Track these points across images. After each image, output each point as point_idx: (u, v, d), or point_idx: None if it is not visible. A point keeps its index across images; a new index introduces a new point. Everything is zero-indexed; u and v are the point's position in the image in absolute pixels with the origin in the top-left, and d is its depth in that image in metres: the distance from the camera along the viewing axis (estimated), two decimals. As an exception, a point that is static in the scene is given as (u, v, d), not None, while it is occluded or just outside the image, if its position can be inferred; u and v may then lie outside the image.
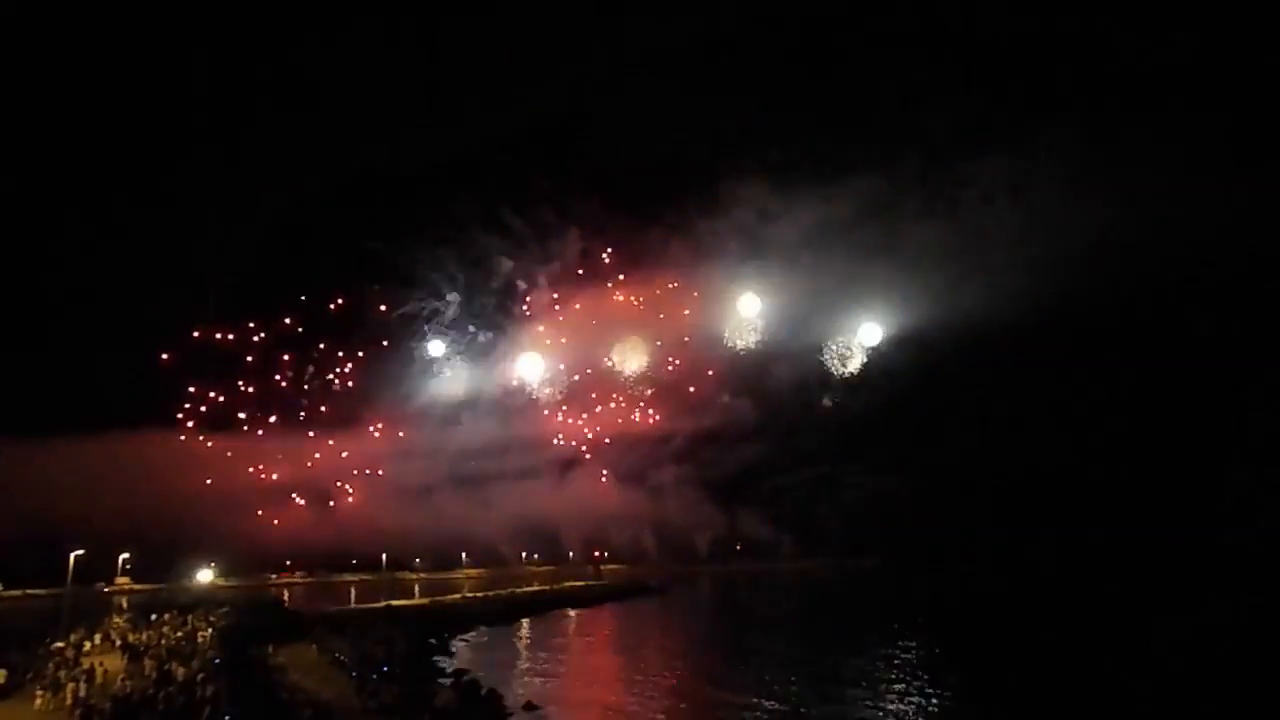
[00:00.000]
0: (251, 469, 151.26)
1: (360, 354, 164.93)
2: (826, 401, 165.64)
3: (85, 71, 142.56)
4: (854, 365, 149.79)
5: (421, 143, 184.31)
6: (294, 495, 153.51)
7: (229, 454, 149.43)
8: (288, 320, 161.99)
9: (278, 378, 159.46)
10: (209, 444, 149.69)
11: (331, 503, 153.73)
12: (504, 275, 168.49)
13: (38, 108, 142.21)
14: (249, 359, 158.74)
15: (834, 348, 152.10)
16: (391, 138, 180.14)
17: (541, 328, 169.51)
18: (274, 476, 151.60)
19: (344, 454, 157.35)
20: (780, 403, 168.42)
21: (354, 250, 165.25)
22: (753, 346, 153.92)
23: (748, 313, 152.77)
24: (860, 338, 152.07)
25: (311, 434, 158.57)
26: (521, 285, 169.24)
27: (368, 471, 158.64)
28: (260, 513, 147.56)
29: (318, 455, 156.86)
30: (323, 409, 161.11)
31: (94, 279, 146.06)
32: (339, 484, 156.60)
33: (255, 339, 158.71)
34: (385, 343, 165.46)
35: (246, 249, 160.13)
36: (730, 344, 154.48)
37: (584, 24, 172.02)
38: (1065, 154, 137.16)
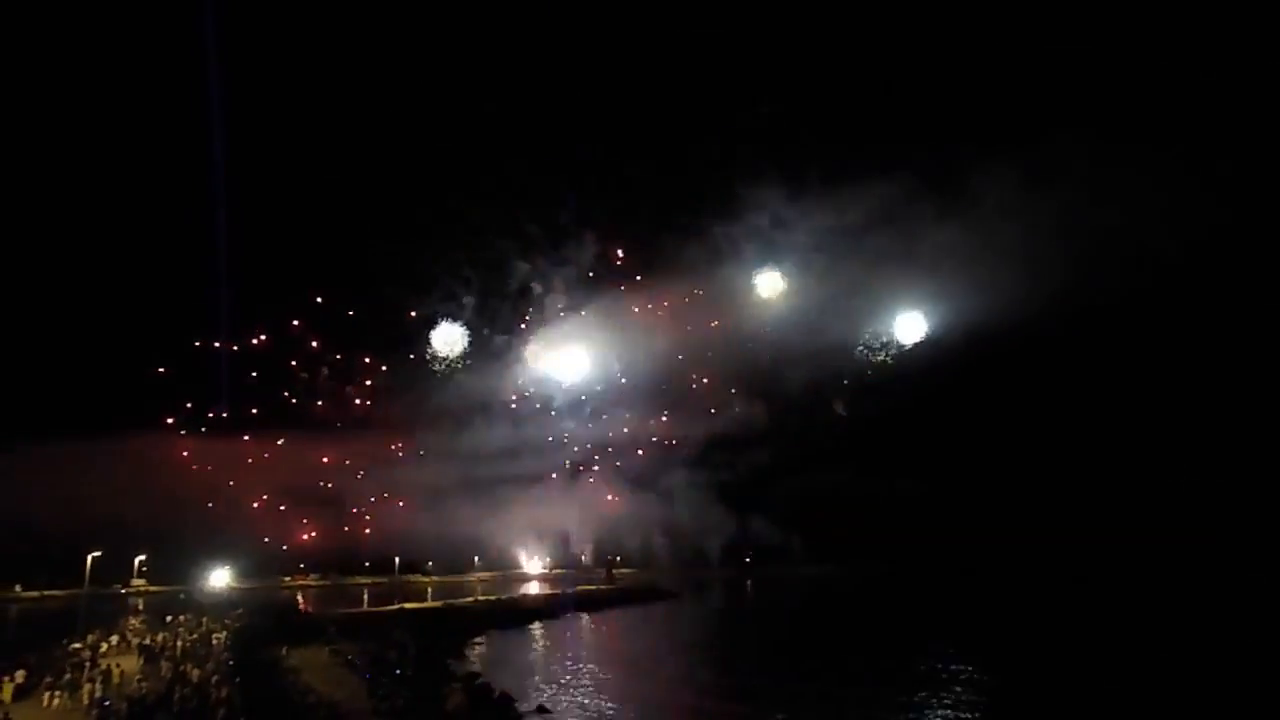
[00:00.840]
0: (263, 474, 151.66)
1: (372, 358, 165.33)
2: (839, 408, 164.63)
3: (89, 72, 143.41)
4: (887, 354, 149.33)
5: (437, 144, 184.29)
6: (307, 500, 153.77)
7: (245, 459, 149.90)
8: (296, 323, 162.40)
9: (286, 391, 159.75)
10: (221, 449, 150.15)
11: (344, 509, 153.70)
12: (519, 279, 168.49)
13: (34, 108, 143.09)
14: (256, 364, 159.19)
15: (864, 342, 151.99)
16: (406, 138, 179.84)
17: (555, 332, 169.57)
18: (285, 481, 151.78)
19: (357, 459, 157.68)
20: (793, 407, 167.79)
21: (367, 253, 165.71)
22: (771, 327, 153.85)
23: (769, 292, 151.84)
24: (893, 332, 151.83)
25: (323, 438, 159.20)
26: (537, 289, 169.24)
27: (380, 476, 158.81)
28: (274, 517, 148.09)
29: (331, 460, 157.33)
30: (334, 413, 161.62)
31: (109, 280, 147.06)
32: (350, 489, 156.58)
33: (258, 341, 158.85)
34: (398, 345, 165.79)
35: (256, 252, 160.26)
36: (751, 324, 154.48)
37: (595, 26, 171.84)
38: (1081, 156, 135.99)
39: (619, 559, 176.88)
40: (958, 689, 40.44)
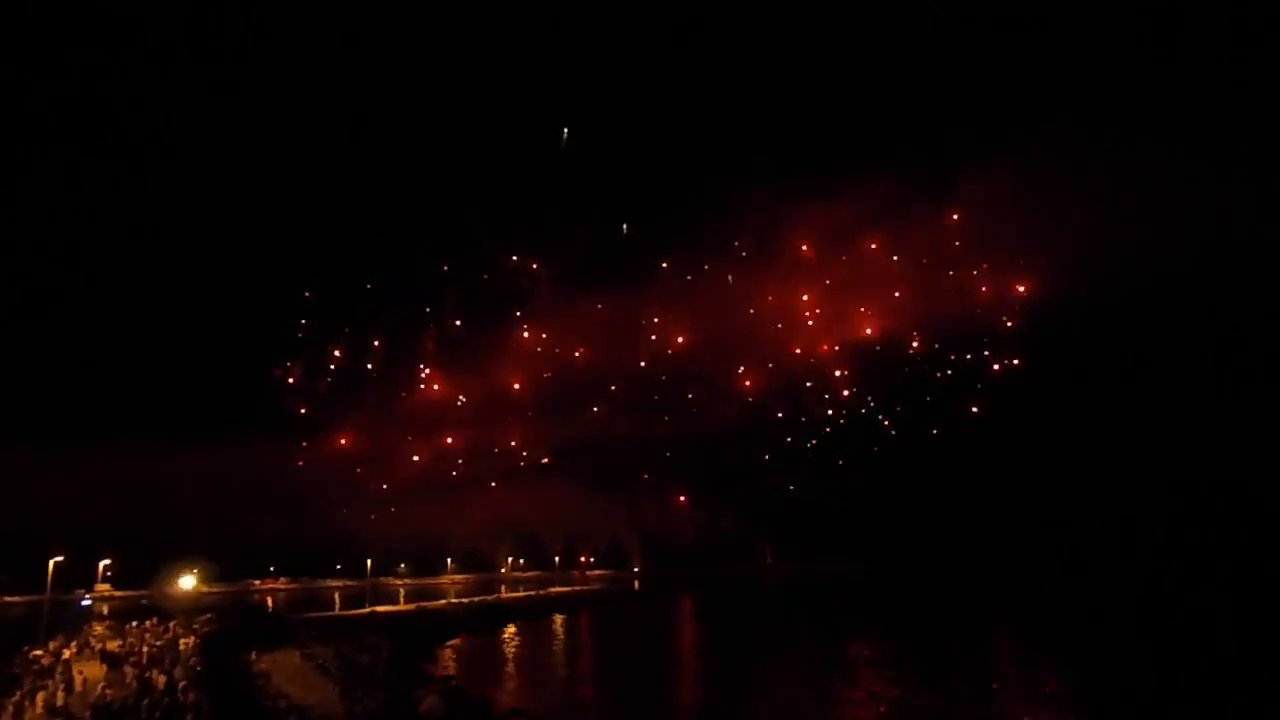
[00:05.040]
0: (237, 474, 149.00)
1: (347, 354, 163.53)
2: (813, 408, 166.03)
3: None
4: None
5: (424, 142, 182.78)
6: (276, 501, 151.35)
7: (212, 459, 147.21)
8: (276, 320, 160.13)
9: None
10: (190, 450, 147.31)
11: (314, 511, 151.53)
12: (504, 276, 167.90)
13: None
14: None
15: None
16: (394, 138, 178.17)
17: (531, 331, 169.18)
18: (258, 481, 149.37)
19: (327, 456, 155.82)
20: (765, 406, 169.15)
21: (351, 248, 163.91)
22: None
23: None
24: None
25: (297, 438, 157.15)
26: (521, 286, 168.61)
27: (348, 476, 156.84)
28: (242, 519, 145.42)
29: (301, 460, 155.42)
30: (306, 411, 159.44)
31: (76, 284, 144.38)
32: (319, 490, 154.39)
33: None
34: (377, 342, 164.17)
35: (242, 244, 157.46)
36: None
37: (586, 28, 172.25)
38: (1070, 156, 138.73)
39: (591, 560, 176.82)
40: (929, 691, 40.87)
